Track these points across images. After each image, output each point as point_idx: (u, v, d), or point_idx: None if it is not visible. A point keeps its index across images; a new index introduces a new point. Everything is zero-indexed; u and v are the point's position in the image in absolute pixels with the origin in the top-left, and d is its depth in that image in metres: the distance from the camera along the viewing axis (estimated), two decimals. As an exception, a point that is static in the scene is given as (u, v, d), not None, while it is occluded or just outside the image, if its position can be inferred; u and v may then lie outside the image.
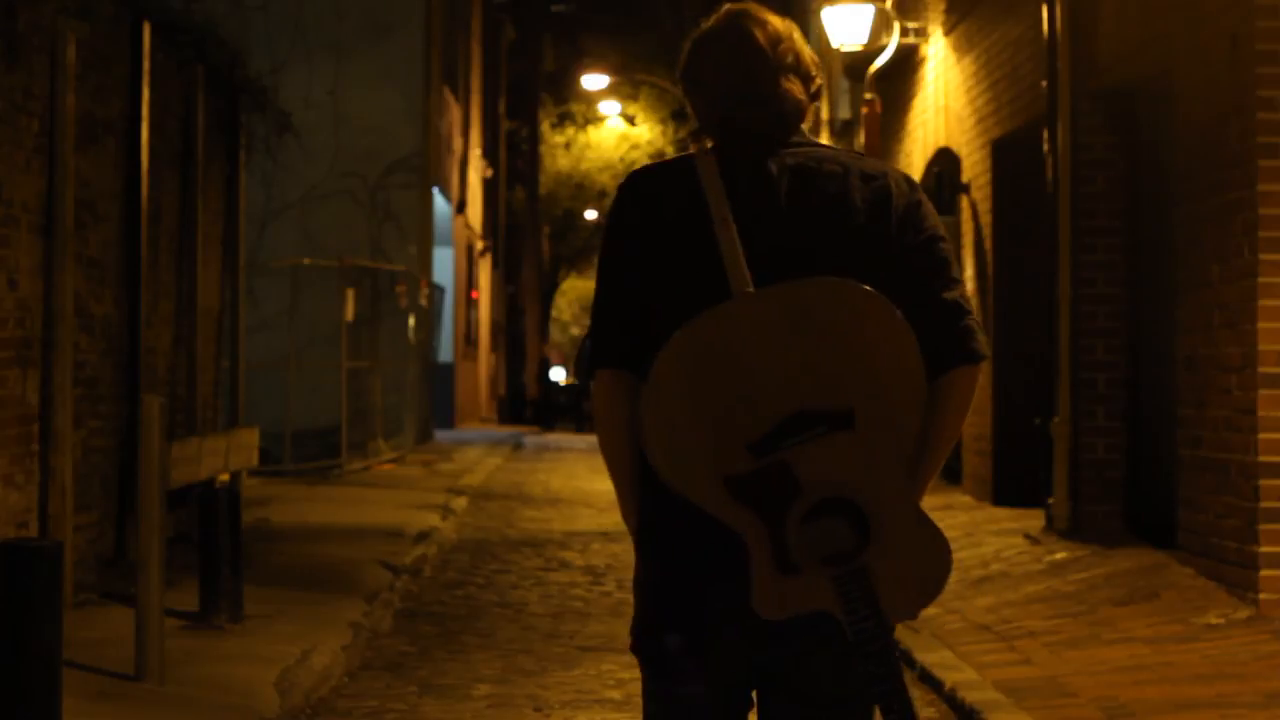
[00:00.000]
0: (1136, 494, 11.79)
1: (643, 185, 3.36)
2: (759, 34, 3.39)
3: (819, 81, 3.44)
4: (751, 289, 3.17)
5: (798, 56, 3.40)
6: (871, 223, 3.28)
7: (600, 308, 3.35)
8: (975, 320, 3.33)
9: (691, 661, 3.25)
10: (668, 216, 3.29)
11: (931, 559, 3.23)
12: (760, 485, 3.12)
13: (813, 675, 3.30)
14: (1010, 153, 14.24)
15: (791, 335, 3.15)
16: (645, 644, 3.29)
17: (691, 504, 3.16)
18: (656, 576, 3.30)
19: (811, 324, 3.16)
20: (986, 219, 14.78)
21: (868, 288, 3.16)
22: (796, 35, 3.45)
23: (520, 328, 52.95)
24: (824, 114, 24.94)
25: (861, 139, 17.95)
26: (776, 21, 3.43)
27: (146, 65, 10.90)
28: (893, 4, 17.39)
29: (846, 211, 3.28)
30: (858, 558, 3.16)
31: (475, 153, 38.67)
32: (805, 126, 3.40)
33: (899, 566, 3.19)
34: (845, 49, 17.66)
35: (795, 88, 3.38)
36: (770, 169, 3.31)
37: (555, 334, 68.74)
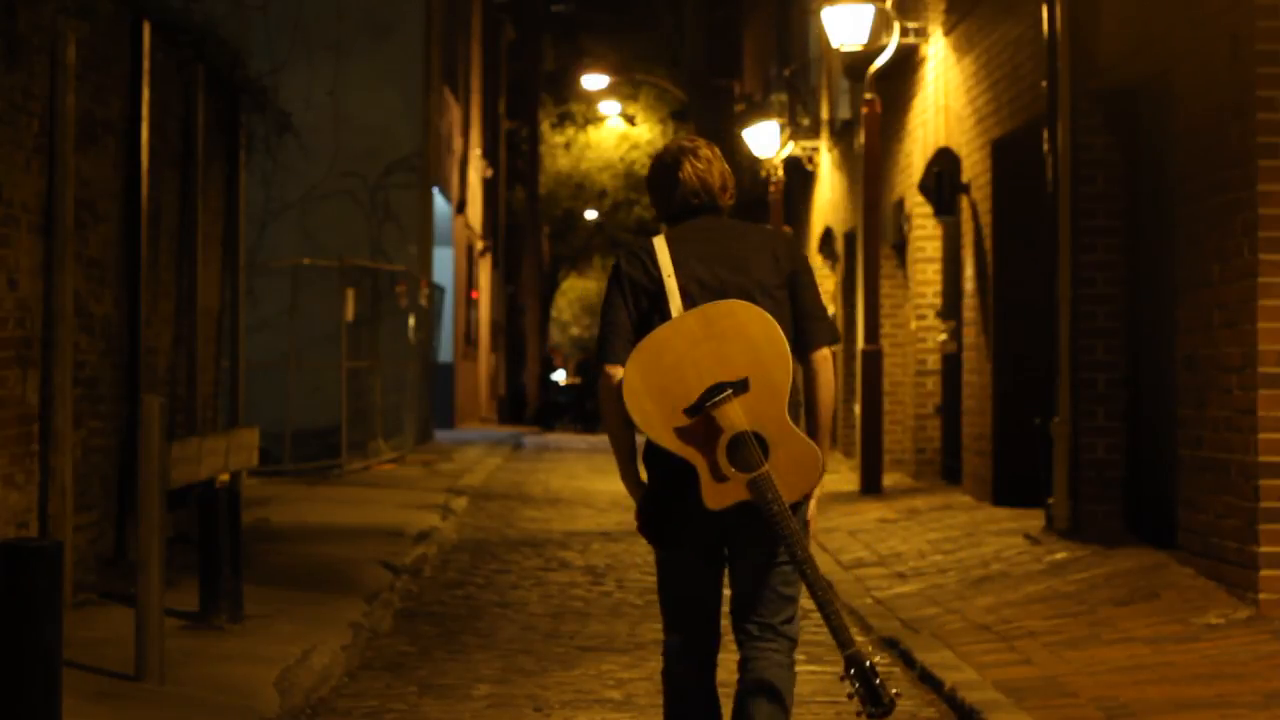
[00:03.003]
0: (1136, 494, 11.78)
1: (627, 257, 5.46)
2: (692, 166, 5.51)
3: (732, 190, 5.55)
4: (686, 311, 5.28)
5: (720, 175, 5.52)
6: (775, 266, 5.39)
7: (605, 327, 5.41)
8: (834, 327, 5.50)
9: (678, 536, 5.36)
10: (642, 274, 5.38)
11: (808, 462, 5.24)
12: (697, 431, 5.20)
13: (750, 543, 5.35)
14: (1010, 153, 14.23)
15: (705, 338, 5.22)
16: (649, 530, 5.39)
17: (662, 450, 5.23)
18: (657, 489, 5.36)
19: (716, 328, 5.23)
20: (986, 219, 14.78)
21: (751, 304, 5.25)
22: (718, 161, 5.54)
23: (520, 328, 52.95)
24: (824, 114, 24.94)
25: (861, 139, 17.95)
26: (706, 153, 5.54)
27: (146, 65, 10.90)
28: (893, 4, 17.38)
29: (758, 262, 5.38)
30: (762, 467, 5.19)
31: (475, 153, 38.67)
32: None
33: (788, 469, 5.21)
34: (845, 49, 17.65)
35: (722, 190, 5.51)
36: (707, 239, 5.41)
37: (555, 334, 68.75)
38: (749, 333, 5.21)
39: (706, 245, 5.40)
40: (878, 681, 5.14)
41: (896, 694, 5.18)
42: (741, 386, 5.19)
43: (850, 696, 5.16)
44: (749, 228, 5.55)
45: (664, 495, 5.34)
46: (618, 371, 5.31)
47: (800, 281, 5.41)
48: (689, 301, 5.30)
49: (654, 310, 5.33)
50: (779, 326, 5.23)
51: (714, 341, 5.21)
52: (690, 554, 5.39)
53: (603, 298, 5.48)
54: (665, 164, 5.53)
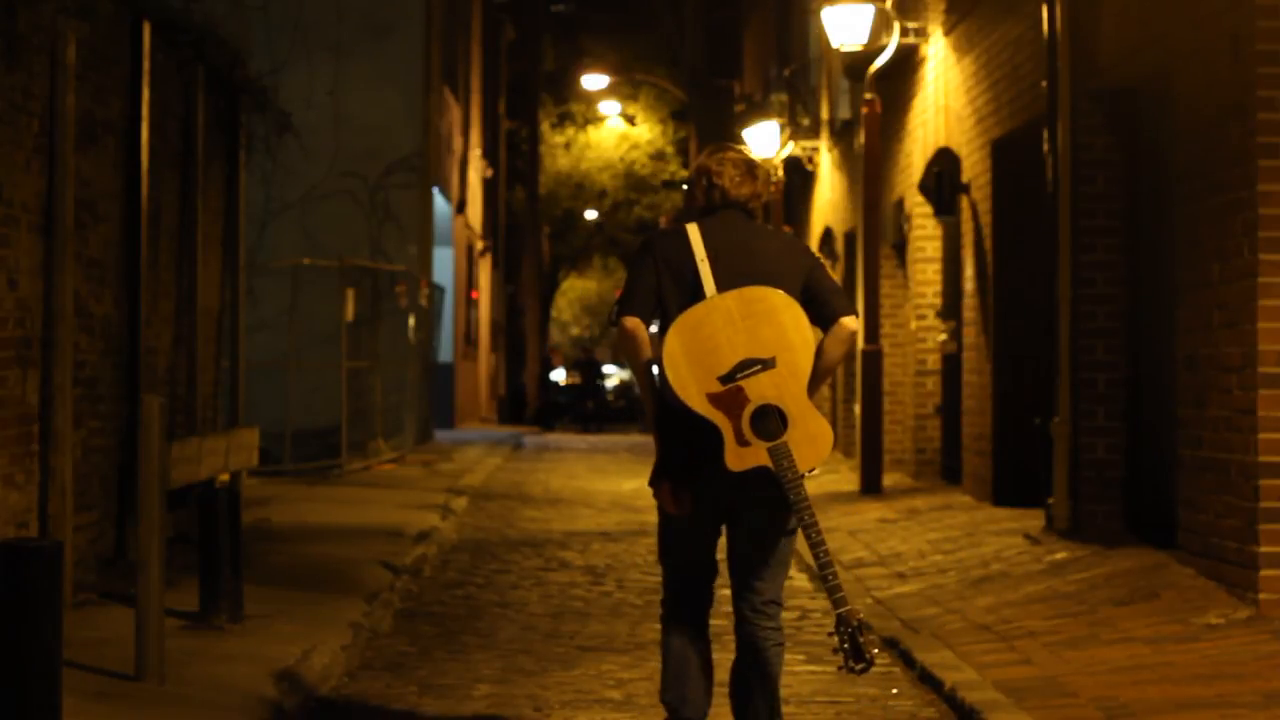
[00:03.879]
0: (1136, 494, 11.78)
1: (661, 236, 6.20)
2: (743, 165, 6.24)
3: (765, 193, 6.35)
4: (718, 293, 5.97)
5: (760, 181, 6.25)
6: (793, 260, 6.12)
7: (628, 288, 6.10)
8: (850, 302, 6.27)
9: (688, 498, 6.04)
10: (670, 256, 6.09)
11: (821, 437, 5.94)
12: (727, 398, 5.89)
13: (758, 508, 6.03)
14: (1010, 153, 14.23)
15: (741, 317, 5.94)
16: (660, 489, 6.05)
17: (691, 412, 5.88)
18: (671, 451, 6.03)
19: (751, 310, 5.94)
20: (986, 219, 14.78)
21: (783, 293, 5.96)
22: (760, 167, 6.30)
23: (520, 328, 52.95)
24: (824, 114, 24.93)
25: (861, 139, 17.95)
26: (749, 157, 6.29)
27: (146, 65, 10.90)
28: (893, 4, 17.38)
29: (775, 255, 6.10)
30: (781, 437, 5.89)
31: (475, 153, 38.66)
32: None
33: (803, 443, 5.91)
34: (845, 49, 17.64)
35: (753, 196, 6.24)
36: (732, 231, 6.13)
37: (555, 334, 68.75)
38: (780, 318, 5.95)
39: (734, 237, 6.11)
40: (862, 640, 5.78)
41: (876, 653, 5.81)
42: (770, 364, 5.91)
43: (835, 651, 5.83)
44: (772, 231, 6.33)
45: (686, 457, 6.01)
46: (635, 324, 6.06)
47: (818, 274, 6.13)
48: (717, 284, 6.00)
49: (680, 285, 6.03)
50: (806, 315, 5.98)
51: (749, 321, 5.93)
52: (693, 521, 6.10)
53: (630, 266, 6.21)
54: (708, 164, 6.25)
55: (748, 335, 5.91)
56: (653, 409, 6.16)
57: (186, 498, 10.28)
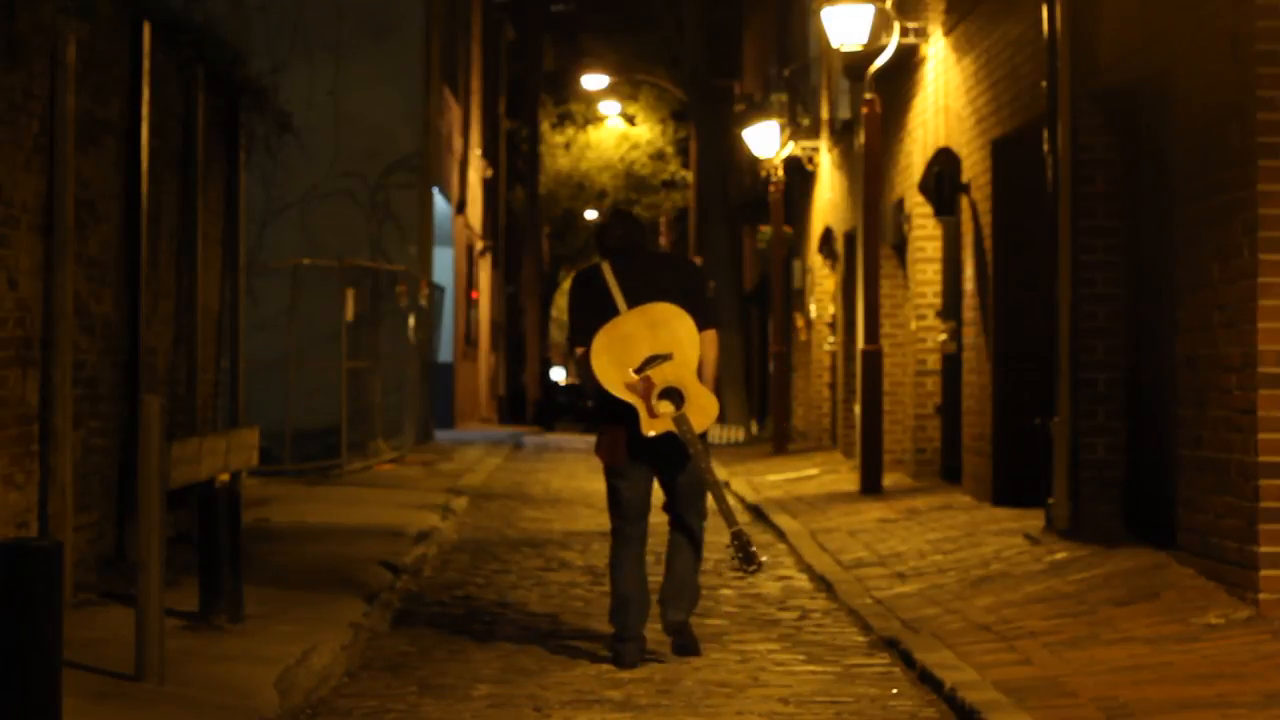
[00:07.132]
0: (1136, 494, 11.78)
1: (586, 274, 8.79)
2: (630, 222, 9.03)
3: (651, 239, 9.43)
4: (628, 309, 8.53)
5: (642, 232, 8.93)
6: (678, 280, 8.77)
7: (574, 324, 8.71)
8: (716, 316, 9.06)
9: (625, 460, 8.60)
10: (594, 288, 8.67)
11: (709, 406, 8.52)
12: (639, 386, 8.43)
13: (673, 460, 8.58)
14: (1010, 153, 14.22)
15: (645, 325, 8.50)
16: (600, 445, 8.71)
17: (615, 399, 8.43)
18: (608, 428, 8.60)
19: (652, 320, 8.51)
20: (986, 219, 14.77)
21: (673, 305, 8.52)
22: (635, 223, 9.02)
23: (520, 328, 52.94)
24: (824, 114, 24.93)
25: (861, 139, 17.94)
26: (631, 217, 9.14)
27: (146, 65, 10.91)
28: (893, 4, 17.37)
29: (667, 277, 8.75)
30: (681, 408, 8.43)
31: (475, 153, 38.66)
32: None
33: (696, 412, 8.47)
34: (845, 49, 17.63)
35: (634, 241, 8.88)
36: (634, 263, 8.74)
37: (555, 334, 68.76)
38: (673, 324, 8.52)
39: (634, 267, 8.70)
40: (753, 549, 8.49)
41: (764, 560, 8.40)
42: (668, 357, 8.47)
43: (731, 558, 8.54)
44: (661, 256, 9.64)
45: (617, 430, 8.58)
46: (585, 352, 8.52)
47: (694, 292, 8.74)
48: (626, 303, 8.52)
49: (604, 309, 8.55)
50: (691, 320, 8.52)
51: (650, 329, 8.49)
52: (632, 474, 8.63)
53: (570, 304, 8.78)
54: (604, 224, 8.98)
55: (650, 338, 8.45)
56: (595, 400, 8.63)
57: (186, 498, 10.27)
